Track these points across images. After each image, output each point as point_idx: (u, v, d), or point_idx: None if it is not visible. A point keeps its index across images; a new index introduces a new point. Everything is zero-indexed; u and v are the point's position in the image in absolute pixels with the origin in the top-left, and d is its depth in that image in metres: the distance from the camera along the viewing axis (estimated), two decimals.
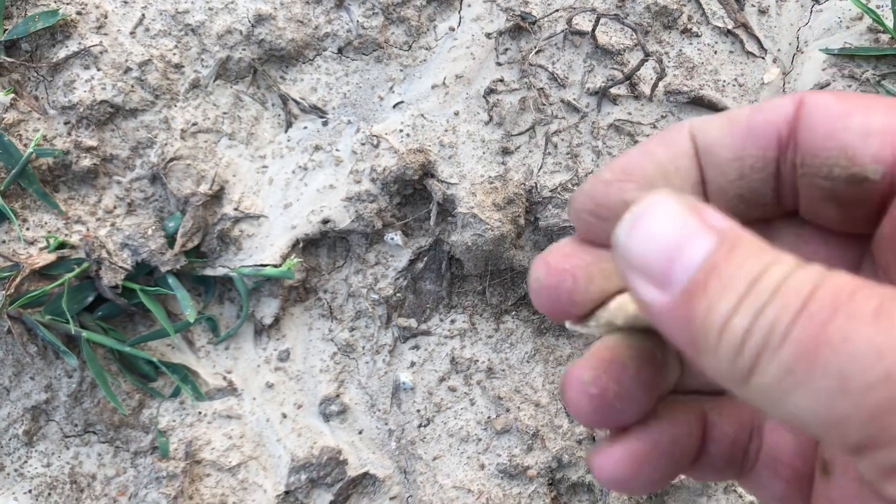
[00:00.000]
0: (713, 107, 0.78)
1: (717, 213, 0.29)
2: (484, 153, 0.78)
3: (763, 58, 0.79)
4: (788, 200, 0.34)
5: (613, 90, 0.77)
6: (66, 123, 0.77)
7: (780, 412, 0.26)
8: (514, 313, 0.81)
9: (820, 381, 0.25)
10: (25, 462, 0.80)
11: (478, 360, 0.80)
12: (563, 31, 0.78)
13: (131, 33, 0.78)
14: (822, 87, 0.79)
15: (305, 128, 0.80)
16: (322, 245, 0.81)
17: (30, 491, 0.80)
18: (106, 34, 0.77)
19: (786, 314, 0.25)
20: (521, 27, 0.78)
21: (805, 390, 0.25)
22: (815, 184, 0.32)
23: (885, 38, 0.79)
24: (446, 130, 0.78)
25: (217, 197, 0.78)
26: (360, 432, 0.80)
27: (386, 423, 0.80)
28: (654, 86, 0.77)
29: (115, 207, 0.78)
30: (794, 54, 0.80)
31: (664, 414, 0.35)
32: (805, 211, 0.34)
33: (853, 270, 0.34)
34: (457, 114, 0.78)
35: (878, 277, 0.34)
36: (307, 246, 0.80)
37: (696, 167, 0.34)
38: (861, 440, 0.24)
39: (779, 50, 0.80)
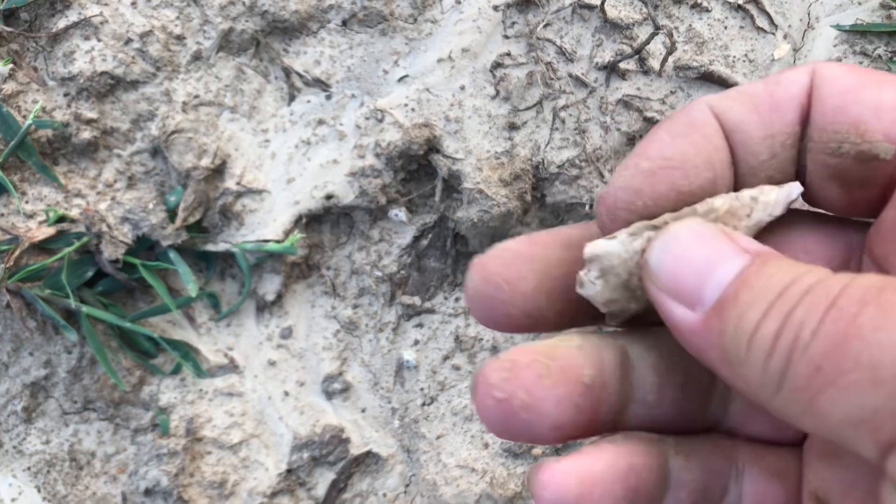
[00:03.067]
0: (723, 83, 0.76)
1: (749, 238, 0.29)
2: (490, 128, 0.76)
3: (773, 34, 0.78)
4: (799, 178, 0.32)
5: (622, 65, 0.76)
6: (65, 95, 0.76)
7: (811, 418, 0.25)
8: None
9: (851, 374, 0.24)
10: (24, 439, 0.79)
11: (482, 339, 0.79)
12: (571, 4, 0.77)
13: (132, 4, 0.76)
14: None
15: (309, 101, 0.78)
16: (325, 221, 0.80)
17: (28, 468, 0.79)
18: (107, 4, 0.76)
19: (815, 313, 0.25)
20: (528, 0, 0.77)
21: (835, 387, 0.24)
22: (822, 160, 0.31)
23: None
24: (452, 105, 0.77)
25: (219, 171, 0.77)
26: (363, 411, 0.79)
27: (389, 402, 0.80)
28: (664, 61, 0.76)
29: (115, 181, 0.77)
30: (805, 30, 0.79)
31: (621, 441, 0.32)
32: (808, 189, 0.32)
33: (844, 261, 0.33)
34: (463, 88, 0.77)
35: (869, 271, 0.33)
36: (310, 222, 0.79)
37: (727, 148, 0.32)
38: (894, 434, 0.23)
39: (790, 26, 0.79)
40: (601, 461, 0.31)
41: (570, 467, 0.31)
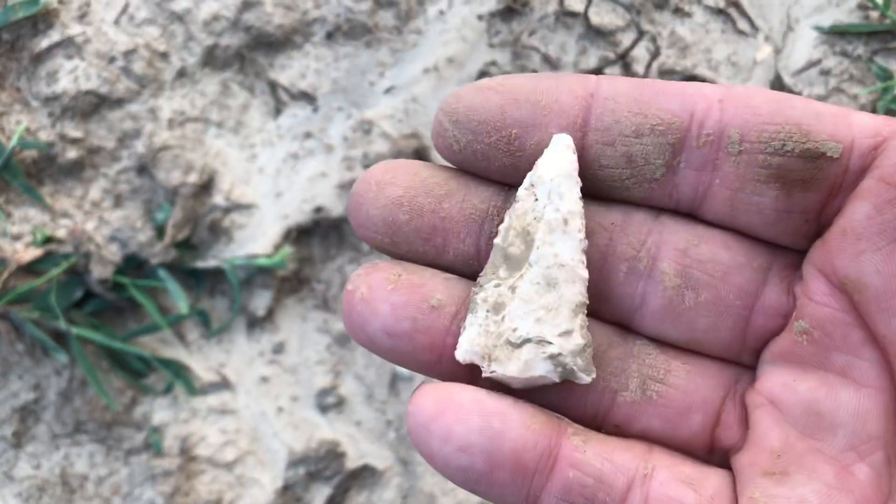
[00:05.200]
0: None
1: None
2: None
3: (755, 37, 0.79)
4: (683, 189, 0.33)
5: (607, 70, 0.77)
6: (49, 115, 0.75)
7: None
8: None
9: None
10: (14, 464, 0.78)
11: None
12: (554, 11, 0.77)
13: (115, 22, 0.76)
14: (815, 63, 0.79)
15: (295, 115, 0.78)
16: (315, 234, 0.79)
17: (19, 494, 0.78)
18: (89, 23, 0.75)
19: None
20: (512, 8, 0.77)
21: None
22: (760, 161, 0.31)
23: (874, 14, 0.79)
24: None
25: (206, 187, 0.77)
26: (358, 424, 0.79)
27: (384, 414, 0.79)
28: (648, 66, 0.76)
29: (102, 200, 0.76)
30: (786, 32, 0.80)
31: (513, 399, 0.32)
32: (721, 202, 0.32)
33: (759, 281, 0.33)
34: None
35: (789, 293, 0.33)
36: (299, 236, 0.79)
37: (582, 108, 0.32)
38: None
39: (770, 28, 0.80)
40: (469, 393, 0.31)
41: (435, 388, 0.31)
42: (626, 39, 0.77)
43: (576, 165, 0.32)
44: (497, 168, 0.33)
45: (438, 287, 0.33)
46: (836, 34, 0.79)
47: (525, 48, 0.77)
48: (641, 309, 0.34)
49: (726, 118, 0.31)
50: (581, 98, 0.32)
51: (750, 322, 0.33)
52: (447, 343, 0.33)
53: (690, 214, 0.33)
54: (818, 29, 0.79)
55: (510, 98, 0.32)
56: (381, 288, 0.32)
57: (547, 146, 0.33)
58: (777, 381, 0.32)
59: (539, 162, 0.33)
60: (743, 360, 0.34)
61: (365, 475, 0.78)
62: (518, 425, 0.31)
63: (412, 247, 0.33)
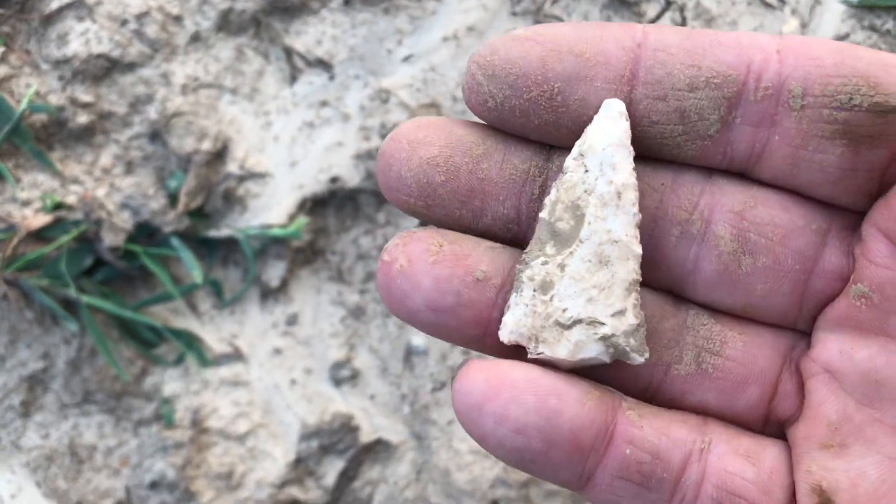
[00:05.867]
0: None
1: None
2: None
3: (781, 9, 0.77)
4: (738, 146, 0.31)
5: None
6: (60, 78, 0.74)
7: None
8: None
9: None
10: (22, 434, 0.77)
11: None
12: None
13: None
14: (842, 38, 0.77)
15: (311, 82, 0.77)
16: (330, 205, 0.78)
17: (27, 463, 0.77)
18: None
19: None
20: None
21: None
22: (825, 116, 0.29)
23: None
24: (458, 84, 0.75)
25: (220, 155, 0.75)
26: (372, 397, 0.78)
27: (399, 388, 0.78)
28: None
29: (113, 166, 0.74)
30: (813, 5, 0.78)
31: (563, 374, 0.31)
32: (780, 160, 0.30)
33: (818, 244, 0.31)
34: None
35: (848, 256, 0.31)
36: (315, 206, 0.77)
37: (630, 60, 0.30)
38: None
39: (797, 1, 0.78)
40: (521, 370, 0.30)
41: (484, 366, 0.30)
42: (651, 10, 0.76)
43: (629, 133, 0.31)
44: (537, 126, 0.31)
45: (483, 258, 0.31)
46: (865, 8, 0.78)
47: (548, 17, 0.76)
48: (694, 275, 0.32)
49: (786, 70, 0.29)
50: (628, 49, 0.30)
51: (808, 287, 0.32)
52: (493, 318, 0.31)
53: (743, 174, 0.32)
54: (846, 2, 0.77)
55: (551, 49, 0.30)
56: (422, 260, 0.30)
57: (591, 102, 0.31)
58: (833, 349, 0.31)
59: (588, 129, 0.31)
60: (798, 326, 0.33)
61: (378, 449, 0.77)
62: (574, 403, 0.29)
63: (448, 210, 0.32)
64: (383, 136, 0.74)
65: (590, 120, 0.31)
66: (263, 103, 0.77)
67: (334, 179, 0.75)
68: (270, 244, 0.76)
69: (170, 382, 0.76)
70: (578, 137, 0.32)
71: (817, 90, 0.29)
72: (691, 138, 0.31)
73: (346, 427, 0.76)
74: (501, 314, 0.31)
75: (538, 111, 0.31)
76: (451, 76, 0.75)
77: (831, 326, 0.32)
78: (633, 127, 0.31)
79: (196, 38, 0.75)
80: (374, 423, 0.77)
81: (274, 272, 0.77)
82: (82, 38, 0.73)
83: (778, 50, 0.30)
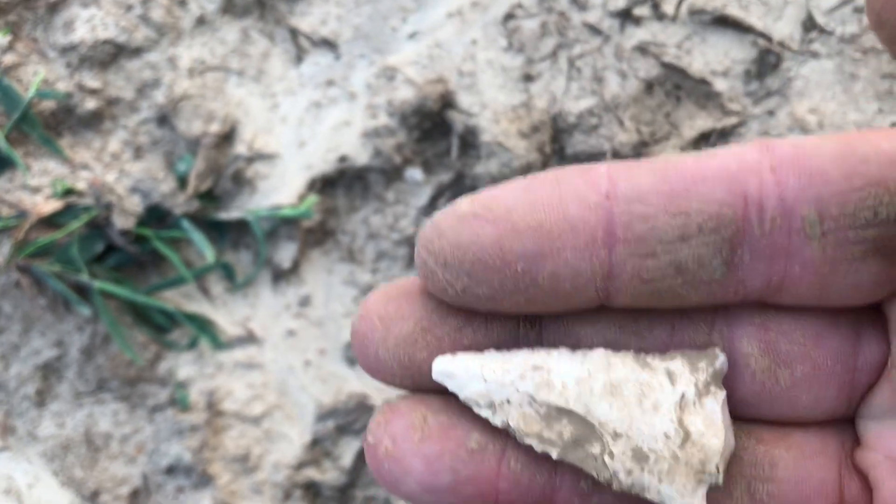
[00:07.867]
0: (738, 25, 0.75)
1: None
2: (505, 81, 0.75)
3: None
4: (752, 283, 0.28)
5: (636, 11, 0.75)
6: (67, 65, 0.74)
7: None
8: None
9: None
10: (38, 423, 0.77)
11: None
12: None
13: None
14: (848, 1, 0.77)
15: (317, 63, 0.77)
16: (339, 185, 0.78)
17: (44, 453, 0.77)
18: None
19: None
20: None
21: None
22: (850, 238, 0.26)
23: None
24: (464, 59, 0.75)
25: (228, 137, 0.75)
26: None
27: None
28: (678, 5, 0.74)
29: (122, 152, 0.75)
30: None
31: None
32: (807, 288, 0.28)
33: (852, 349, 0.29)
34: (475, 42, 0.75)
35: (884, 339, 0.29)
36: (324, 186, 0.77)
37: (601, 219, 0.26)
38: None
39: None
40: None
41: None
42: None
43: None
44: (511, 305, 0.28)
45: (475, 424, 0.28)
46: None
47: None
48: (730, 400, 0.29)
49: (789, 194, 0.26)
50: (596, 205, 0.26)
51: (854, 382, 0.29)
52: (500, 488, 0.28)
53: (761, 301, 0.29)
54: None
55: (505, 227, 0.27)
56: (407, 439, 0.28)
57: (564, 274, 0.27)
58: (891, 436, 0.29)
59: None
60: (837, 416, 0.30)
61: None
62: None
63: (436, 384, 0.29)
64: (390, 114, 0.74)
65: (567, 292, 0.28)
66: (270, 84, 0.77)
67: (343, 159, 0.75)
68: (281, 225, 0.76)
69: (184, 366, 0.76)
70: (561, 304, 0.28)
71: (835, 211, 0.26)
72: (694, 286, 0.27)
73: (362, 406, 0.75)
74: (508, 483, 0.28)
75: (505, 295, 0.27)
76: (456, 52, 0.75)
77: (881, 414, 0.29)
78: (622, 287, 0.27)
79: (201, 21, 0.75)
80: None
81: (285, 254, 0.77)
82: (88, 25, 0.73)
83: (772, 168, 0.26)
